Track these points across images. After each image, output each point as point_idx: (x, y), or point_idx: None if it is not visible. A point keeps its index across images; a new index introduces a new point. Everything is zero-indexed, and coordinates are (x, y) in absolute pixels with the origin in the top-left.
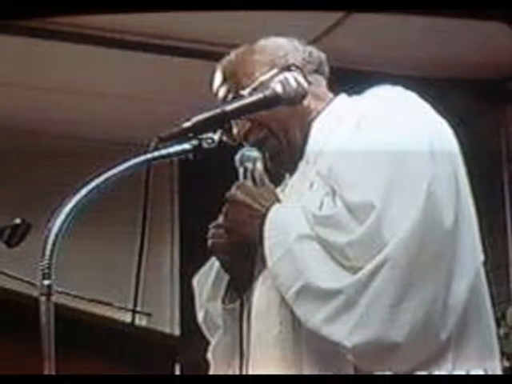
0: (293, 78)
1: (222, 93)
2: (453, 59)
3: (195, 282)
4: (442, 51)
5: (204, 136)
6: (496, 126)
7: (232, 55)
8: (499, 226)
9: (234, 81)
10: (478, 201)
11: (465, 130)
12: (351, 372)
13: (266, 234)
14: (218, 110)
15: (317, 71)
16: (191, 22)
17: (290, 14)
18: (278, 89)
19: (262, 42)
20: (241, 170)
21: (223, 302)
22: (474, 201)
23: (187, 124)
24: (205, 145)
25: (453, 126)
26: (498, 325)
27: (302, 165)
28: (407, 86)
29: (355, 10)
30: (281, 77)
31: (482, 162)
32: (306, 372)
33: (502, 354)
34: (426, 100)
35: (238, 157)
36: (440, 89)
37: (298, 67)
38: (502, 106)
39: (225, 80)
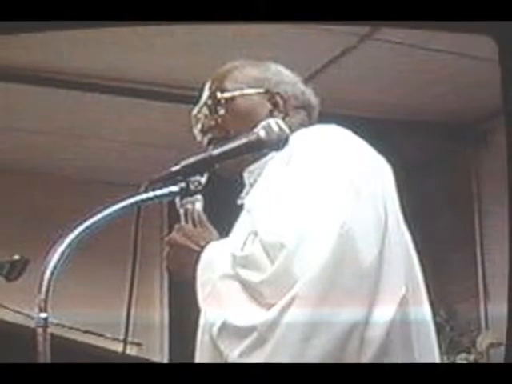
0: (275, 124)
1: (204, 97)
2: (429, 104)
3: None
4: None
5: (192, 179)
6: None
7: (231, 63)
8: (471, 259)
9: (219, 81)
10: (451, 233)
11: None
12: None
13: (199, 271)
14: (205, 155)
15: (301, 108)
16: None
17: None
18: (262, 134)
19: (268, 63)
20: (181, 212)
21: None
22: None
23: (176, 167)
24: (192, 187)
25: (429, 164)
26: (469, 352)
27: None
28: (385, 129)
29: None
30: (264, 123)
31: (454, 198)
32: None
33: None
34: (403, 141)
35: (178, 199)
36: (416, 131)
37: (282, 97)
38: (475, 146)
39: (212, 83)
